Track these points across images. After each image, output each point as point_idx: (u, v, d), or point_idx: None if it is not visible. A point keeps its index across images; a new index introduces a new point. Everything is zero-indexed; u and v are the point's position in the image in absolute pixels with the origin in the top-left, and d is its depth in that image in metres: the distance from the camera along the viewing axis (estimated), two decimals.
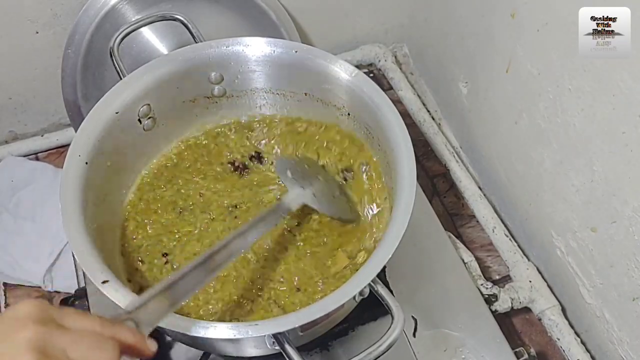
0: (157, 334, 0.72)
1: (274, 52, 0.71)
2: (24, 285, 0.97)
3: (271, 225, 0.61)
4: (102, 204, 0.65)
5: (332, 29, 1.22)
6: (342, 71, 0.69)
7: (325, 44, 1.20)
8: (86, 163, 0.62)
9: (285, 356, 0.52)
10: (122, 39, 0.73)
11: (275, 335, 0.51)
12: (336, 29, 1.23)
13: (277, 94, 0.76)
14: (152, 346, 0.40)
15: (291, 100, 0.76)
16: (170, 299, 0.45)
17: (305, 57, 0.70)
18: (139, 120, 0.70)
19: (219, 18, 0.94)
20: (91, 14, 0.91)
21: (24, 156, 1.15)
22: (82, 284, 0.83)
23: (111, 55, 0.73)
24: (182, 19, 0.76)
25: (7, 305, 0.98)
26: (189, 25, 0.76)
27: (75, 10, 0.92)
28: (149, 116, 0.71)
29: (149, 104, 0.70)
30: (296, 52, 0.70)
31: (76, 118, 0.97)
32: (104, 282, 0.53)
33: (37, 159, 1.15)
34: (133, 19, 0.73)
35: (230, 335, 0.50)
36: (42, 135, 1.15)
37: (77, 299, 0.73)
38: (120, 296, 0.52)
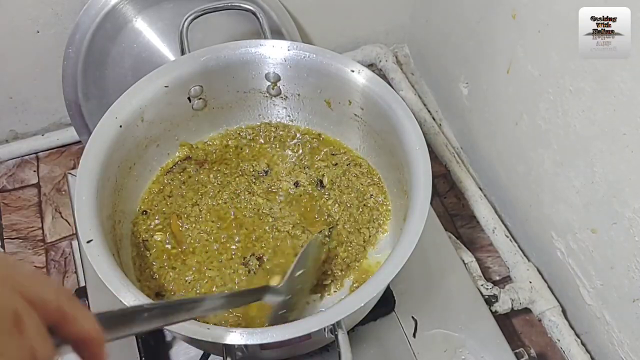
0: (159, 333, 0.72)
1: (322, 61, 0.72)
2: None
3: (246, 303, 0.58)
4: (128, 171, 0.68)
5: (333, 29, 1.23)
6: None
7: (326, 45, 1.20)
8: (120, 126, 0.65)
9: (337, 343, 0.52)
10: (192, 21, 0.75)
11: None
12: (337, 29, 1.24)
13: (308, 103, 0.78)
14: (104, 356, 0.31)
15: (314, 109, 0.78)
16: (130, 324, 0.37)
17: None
18: (189, 98, 0.73)
19: (219, 18, 0.94)
20: (92, 13, 0.91)
21: (25, 155, 1.15)
22: (83, 283, 0.83)
23: (180, 36, 0.75)
24: (252, 9, 0.78)
25: None
26: (259, 17, 0.77)
27: (76, 9, 0.92)
28: (199, 97, 0.74)
29: (201, 86, 0.72)
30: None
31: (77, 117, 0.97)
32: (88, 241, 0.54)
33: (37, 158, 1.15)
34: (204, 6, 0.75)
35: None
36: (42, 135, 1.15)
37: (77, 299, 0.73)
38: (101, 261, 0.53)
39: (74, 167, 1.12)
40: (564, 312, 0.93)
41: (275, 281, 0.65)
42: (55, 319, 0.25)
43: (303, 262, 0.64)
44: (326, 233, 0.71)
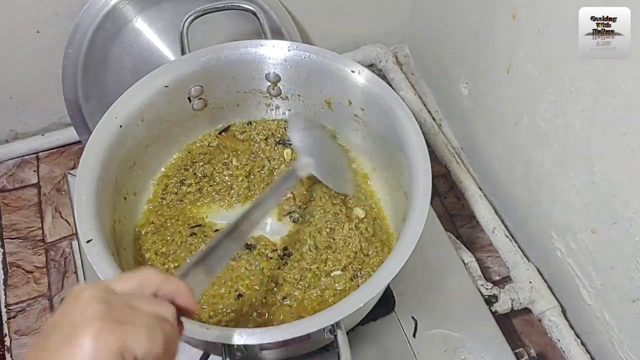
0: None
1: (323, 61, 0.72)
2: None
3: (284, 192, 0.66)
4: (128, 171, 0.68)
5: (333, 30, 1.23)
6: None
7: (326, 45, 1.20)
8: (120, 126, 0.65)
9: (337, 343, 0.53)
10: (192, 21, 0.75)
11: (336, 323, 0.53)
12: (337, 30, 1.23)
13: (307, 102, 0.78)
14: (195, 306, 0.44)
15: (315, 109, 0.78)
16: (206, 268, 0.48)
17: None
18: (189, 98, 0.73)
19: (219, 18, 0.94)
20: (92, 13, 0.91)
21: (25, 155, 1.15)
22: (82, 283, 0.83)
23: (180, 36, 0.75)
24: (252, 9, 0.78)
25: (7, 302, 0.98)
26: (260, 17, 0.77)
27: (76, 9, 0.92)
28: (199, 97, 0.74)
29: (201, 86, 0.72)
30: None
31: (77, 117, 0.97)
32: (88, 241, 0.54)
33: (37, 158, 1.15)
34: (204, 6, 0.75)
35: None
36: (42, 135, 1.15)
37: None
38: (101, 261, 0.54)
39: (74, 167, 1.12)
40: (564, 312, 0.93)
41: None
42: (171, 294, 0.41)
43: (297, 135, 0.71)
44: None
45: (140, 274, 0.41)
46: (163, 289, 0.41)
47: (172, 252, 0.69)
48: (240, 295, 0.65)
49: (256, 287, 0.66)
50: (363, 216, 0.72)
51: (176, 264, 0.68)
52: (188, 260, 0.48)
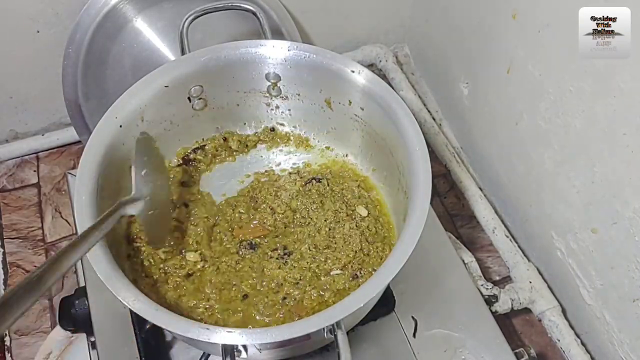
0: (159, 333, 0.72)
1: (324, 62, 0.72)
2: None
3: (106, 230, 0.55)
4: (128, 171, 0.67)
5: (333, 29, 1.23)
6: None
7: (326, 45, 1.20)
8: (120, 126, 0.65)
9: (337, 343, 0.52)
10: (192, 21, 0.75)
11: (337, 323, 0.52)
12: (337, 29, 1.24)
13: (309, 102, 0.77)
14: None
15: (314, 109, 0.77)
16: None
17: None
18: (189, 98, 0.72)
19: (219, 18, 0.94)
20: (92, 13, 0.91)
21: (25, 155, 1.15)
22: (82, 283, 0.83)
23: (180, 36, 0.75)
24: (252, 9, 0.77)
25: None
26: (260, 17, 0.77)
27: (76, 9, 0.92)
28: (199, 97, 0.73)
29: (201, 86, 0.72)
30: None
31: (77, 117, 0.97)
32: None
33: (37, 158, 1.15)
34: (203, 6, 0.75)
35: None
36: (42, 135, 1.15)
37: (77, 299, 0.73)
38: (101, 261, 0.54)
39: (74, 167, 1.12)
40: (564, 312, 0.93)
41: None
42: None
43: (140, 162, 0.63)
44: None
45: None
46: None
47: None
48: (245, 296, 0.65)
49: (259, 288, 0.66)
50: (365, 215, 0.72)
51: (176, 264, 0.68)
52: None
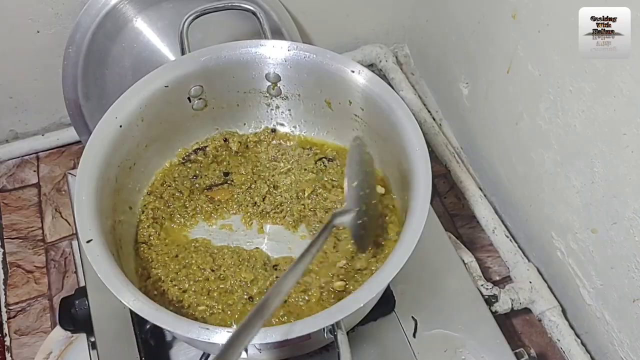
0: (159, 333, 0.72)
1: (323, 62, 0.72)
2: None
3: (322, 242, 0.57)
4: (128, 171, 0.68)
5: (333, 29, 1.23)
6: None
7: (326, 45, 1.20)
8: (120, 126, 0.65)
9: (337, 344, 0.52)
10: (192, 21, 0.75)
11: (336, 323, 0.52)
12: (337, 29, 1.24)
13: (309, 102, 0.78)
14: None
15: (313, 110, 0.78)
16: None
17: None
18: (189, 98, 0.73)
19: (219, 18, 0.94)
20: (92, 13, 0.91)
21: (25, 155, 1.15)
22: (83, 283, 0.83)
23: (180, 36, 0.75)
24: (252, 9, 0.78)
25: (7, 302, 0.98)
26: (260, 17, 0.77)
27: (76, 9, 0.93)
28: (199, 97, 0.73)
29: (201, 86, 0.72)
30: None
31: (77, 117, 0.97)
32: (88, 241, 0.54)
33: (37, 158, 1.16)
34: (204, 6, 0.75)
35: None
36: (42, 135, 1.15)
37: (77, 299, 0.73)
38: (101, 261, 0.54)
39: (74, 167, 1.12)
40: (564, 312, 0.93)
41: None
42: None
43: (353, 172, 0.62)
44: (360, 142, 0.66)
45: None
46: None
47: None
48: (250, 298, 0.65)
49: (265, 289, 0.66)
50: None
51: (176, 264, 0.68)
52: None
